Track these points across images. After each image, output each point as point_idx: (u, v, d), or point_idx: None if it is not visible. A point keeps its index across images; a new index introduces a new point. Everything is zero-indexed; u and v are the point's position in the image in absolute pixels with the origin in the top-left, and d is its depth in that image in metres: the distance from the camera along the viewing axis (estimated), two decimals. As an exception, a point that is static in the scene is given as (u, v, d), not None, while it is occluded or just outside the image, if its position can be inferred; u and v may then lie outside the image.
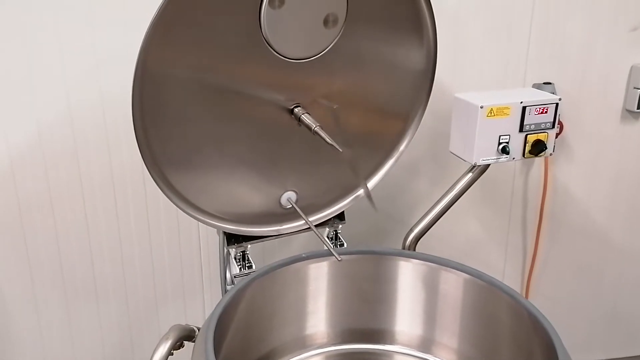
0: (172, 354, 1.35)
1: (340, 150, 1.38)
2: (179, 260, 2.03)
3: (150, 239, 1.97)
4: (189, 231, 2.00)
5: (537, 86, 2.06)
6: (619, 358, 2.51)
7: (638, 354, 2.51)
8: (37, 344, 1.98)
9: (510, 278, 2.34)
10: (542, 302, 2.05)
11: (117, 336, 2.06)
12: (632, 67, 2.12)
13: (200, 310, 2.11)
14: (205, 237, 2.02)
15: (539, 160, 2.19)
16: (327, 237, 1.75)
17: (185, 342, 1.40)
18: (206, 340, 1.25)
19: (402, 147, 1.68)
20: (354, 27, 1.42)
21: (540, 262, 2.32)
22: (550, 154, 1.76)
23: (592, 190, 2.27)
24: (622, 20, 2.07)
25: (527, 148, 1.71)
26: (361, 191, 1.69)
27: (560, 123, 2.05)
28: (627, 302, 2.44)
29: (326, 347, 1.68)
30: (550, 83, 2.07)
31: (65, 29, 1.69)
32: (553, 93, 1.91)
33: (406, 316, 1.67)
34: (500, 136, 1.68)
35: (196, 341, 1.36)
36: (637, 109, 2.12)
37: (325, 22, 1.38)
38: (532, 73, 2.08)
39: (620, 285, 2.42)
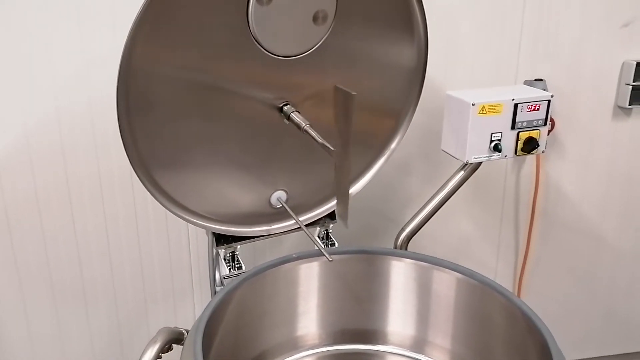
0: (160, 357, 1.33)
1: (331, 148, 1.37)
2: (168, 261, 2.01)
3: (139, 241, 1.95)
4: (177, 232, 1.98)
5: (528, 83, 2.05)
6: (613, 355, 2.51)
7: (632, 351, 2.52)
8: (26, 348, 1.96)
9: (502, 276, 2.34)
10: (534, 300, 2.05)
11: (106, 339, 2.04)
12: (623, 63, 2.11)
13: (191, 312, 2.09)
14: (195, 237, 2.00)
15: (530, 158, 2.18)
16: (318, 237, 1.73)
17: (174, 345, 1.38)
18: (195, 343, 1.24)
19: (393, 145, 1.67)
20: (343, 24, 1.40)
21: (533, 260, 2.32)
22: (543, 152, 1.75)
23: (585, 187, 2.26)
24: (614, 16, 2.06)
25: (519, 145, 1.70)
26: (352, 190, 1.68)
27: (551, 120, 2.04)
28: (620, 298, 2.44)
29: (318, 348, 1.67)
30: (541, 80, 2.06)
31: (53, 30, 1.67)
32: (545, 90, 1.90)
33: (399, 316, 1.66)
34: (492, 134, 1.67)
35: (185, 344, 1.34)
36: (629, 105, 2.12)
37: (315, 18, 1.37)
38: (524, 70, 2.07)
39: (614, 282, 2.42)
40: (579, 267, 2.37)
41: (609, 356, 2.51)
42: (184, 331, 1.40)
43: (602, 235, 2.33)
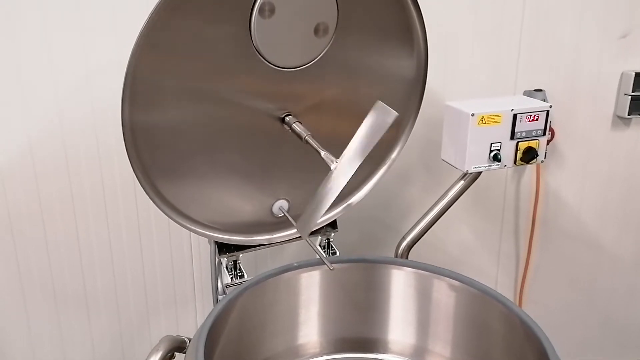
0: (163, 366, 1.34)
1: (331, 160, 1.38)
2: (170, 270, 2.01)
3: (142, 249, 1.96)
4: (180, 241, 1.98)
5: (528, 93, 2.06)
6: (612, 364, 2.51)
7: (630, 359, 2.52)
8: (27, 355, 1.96)
9: (503, 285, 2.34)
10: (534, 309, 2.06)
11: (108, 347, 2.04)
12: (622, 73, 2.13)
13: (193, 320, 2.10)
14: (197, 246, 2.00)
15: (530, 167, 2.19)
16: (320, 246, 1.74)
17: (177, 354, 1.39)
18: (197, 351, 1.24)
19: (394, 155, 1.68)
20: (344, 36, 1.42)
21: (533, 269, 2.32)
22: (542, 161, 1.76)
23: (584, 197, 2.27)
24: (612, 27, 2.08)
25: (519, 155, 1.71)
26: (353, 200, 1.69)
27: (551, 130, 2.05)
28: (619, 307, 2.45)
29: (319, 357, 1.68)
30: (541, 90, 2.07)
31: (55, 39, 1.68)
32: (544, 100, 1.92)
33: (399, 325, 1.67)
34: (491, 144, 1.68)
35: (187, 352, 1.35)
36: (628, 115, 2.14)
37: (316, 31, 1.38)
38: (523, 80, 2.08)
39: (613, 291, 2.42)
40: (578, 275, 2.38)
41: (608, 364, 2.51)
42: (186, 339, 1.41)
43: (601, 244, 2.34)
